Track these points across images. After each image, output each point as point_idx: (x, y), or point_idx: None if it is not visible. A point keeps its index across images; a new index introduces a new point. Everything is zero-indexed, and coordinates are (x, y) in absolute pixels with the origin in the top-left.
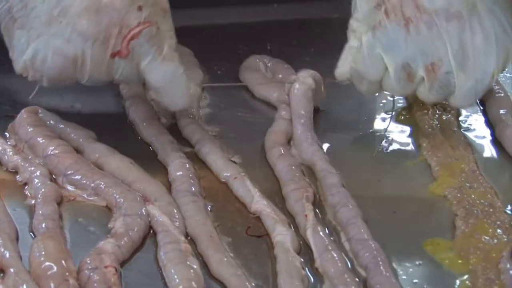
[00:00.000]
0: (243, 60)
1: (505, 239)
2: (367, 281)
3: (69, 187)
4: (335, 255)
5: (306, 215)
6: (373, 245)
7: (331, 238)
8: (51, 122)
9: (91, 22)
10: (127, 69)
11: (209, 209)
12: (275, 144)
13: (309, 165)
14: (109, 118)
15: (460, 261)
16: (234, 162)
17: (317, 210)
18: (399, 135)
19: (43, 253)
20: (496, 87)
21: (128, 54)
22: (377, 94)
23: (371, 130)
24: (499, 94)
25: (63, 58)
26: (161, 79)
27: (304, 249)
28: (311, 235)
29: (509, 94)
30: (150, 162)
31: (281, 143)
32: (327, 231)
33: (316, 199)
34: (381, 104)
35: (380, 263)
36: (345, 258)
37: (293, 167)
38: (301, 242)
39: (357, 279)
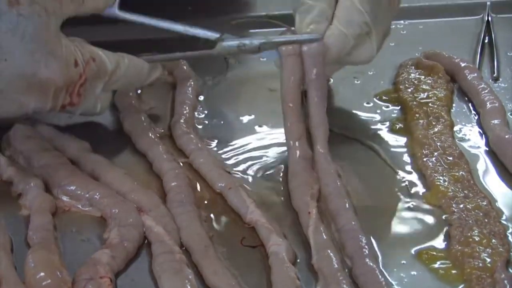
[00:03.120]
0: (234, 71)
1: (500, 249)
2: (352, 271)
3: (64, 198)
4: (331, 254)
5: (309, 213)
6: (359, 236)
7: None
8: (46, 133)
9: (37, 98)
10: (86, 105)
11: (203, 219)
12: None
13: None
14: (104, 129)
15: (455, 271)
16: (229, 172)
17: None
18: (394, 145)
19: (37, 264)
20: (491, 97)
21: (80, 101)
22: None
23: (365, 141)
24: (493, 104)
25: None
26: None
27: (304, 245)
28: (312, 232)
29: (503, 104)
30: (146, 173)
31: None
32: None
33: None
34: (377, 115)
35: (365, 253)
36: (342, 257)
37: (304, 159)
38: (297, 253)
39: (351, 280)
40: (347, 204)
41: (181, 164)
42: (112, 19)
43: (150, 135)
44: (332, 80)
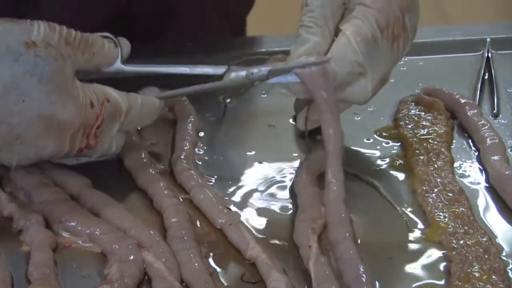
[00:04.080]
0: (235, 107)
1: (501, 285)
2: None
3: (64, 234)
4: (333, 286)
5: (309, 246)
6: (358, 265)
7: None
8: (47, 169)
9: (55, 141)
10: (102, 147)
11: (204, 255)
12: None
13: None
14: (104, 165)
15: None
16: (229, 209)
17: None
18: (394, 181)
19: None
20: (491, 133)
21: (97, 143)
22: None
23: (365, 177)
24: (493, 141)
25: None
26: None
27: (305, 279)
28: (313, 265)
29: (503, 140)
30: (146, 209)
31: None
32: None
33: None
34: (377, 151)
35: (363, 282)
36: None
37: (313, 196)
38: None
39: None
40: (347, 233)
41: (181, 200)
42: (118, 74)
43: (151, 171)
44: None
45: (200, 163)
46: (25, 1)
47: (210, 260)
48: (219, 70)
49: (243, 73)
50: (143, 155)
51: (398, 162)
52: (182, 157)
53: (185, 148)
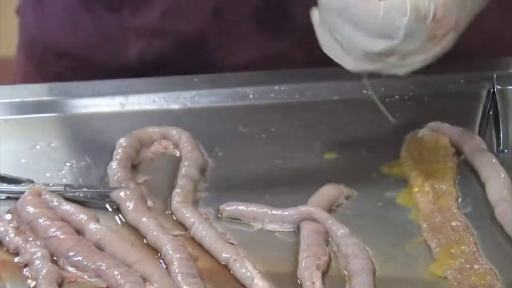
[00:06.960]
0: (243, 141)
1: None
2: None
3: (70, 269)
4: None
5: (313, 283)
6: None
7: None
8: (54, 203)
9: None
10: None
11: None
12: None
13: None
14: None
15: None
16: (232, 244)
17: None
18: (399, 217)
19: None
20: (497, 169)
21: None
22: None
23: (371, 211)
24: (499, 176)
25: None
26: None
27: None
28: None
29: (508, 176)
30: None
31: None
32: None
33: (330, 267)
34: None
35: None
36: None
37: (317, 232)
38: None
39: None
40: (365, 265)
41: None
42: None
43: (142, 207)
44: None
45: (203, 197)
46: None
47: None
48: None
49: None
50: (135, 191)
51: (403, 198)
52: (182, 194)
53: (185, 185)
